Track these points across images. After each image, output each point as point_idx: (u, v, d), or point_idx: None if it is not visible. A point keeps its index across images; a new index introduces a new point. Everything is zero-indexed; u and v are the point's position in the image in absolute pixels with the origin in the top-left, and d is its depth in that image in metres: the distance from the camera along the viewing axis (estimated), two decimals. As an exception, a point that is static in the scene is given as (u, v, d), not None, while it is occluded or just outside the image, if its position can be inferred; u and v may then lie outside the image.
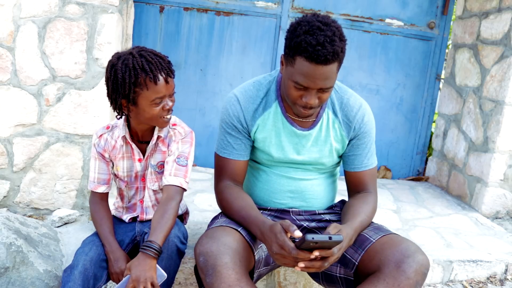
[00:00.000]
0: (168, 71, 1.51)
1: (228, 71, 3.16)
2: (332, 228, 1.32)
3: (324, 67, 1.34)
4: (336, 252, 1.29)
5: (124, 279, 1.41)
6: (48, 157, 2.28)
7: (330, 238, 1.21)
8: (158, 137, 1.63)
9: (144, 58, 1.47)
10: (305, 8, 3.13)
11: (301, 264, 1.26)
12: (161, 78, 1.47)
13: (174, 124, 1.65)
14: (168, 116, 1.55)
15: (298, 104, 1.43)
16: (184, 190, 1.59)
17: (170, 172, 1.58)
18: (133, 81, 1.45)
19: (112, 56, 1.52)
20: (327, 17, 1.38)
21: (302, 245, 1.23)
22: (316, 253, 1.24)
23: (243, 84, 1.64)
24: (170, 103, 1.53)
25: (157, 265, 1.42)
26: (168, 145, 1.63)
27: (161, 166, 1.65)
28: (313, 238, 1.19)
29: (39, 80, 2.22)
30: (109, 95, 1.53)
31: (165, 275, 1.42)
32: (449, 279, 2.17)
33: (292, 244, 1.26)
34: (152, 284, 1.37)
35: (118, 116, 1.59)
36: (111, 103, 1.54)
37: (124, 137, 1.63)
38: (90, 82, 2.24)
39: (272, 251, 1.30)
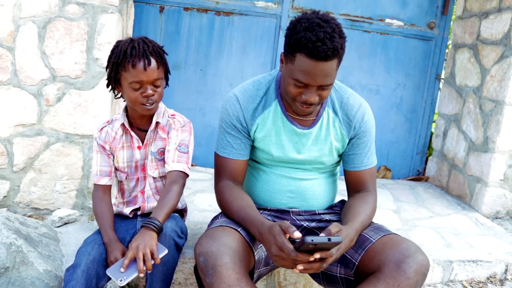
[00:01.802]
0: (151, 59, 1.55)
1: (228, 71, 3.16)
2: (333, 227, 1.31)
3: (324, 64, 1.34)
4: (335, 253, 1.29)
5: (117, 261, 1.43)
6: (48, 157, 2.28)
7: (329, 239, 1.21)
8: (157, 123, 1.68)
9: (132, 43, 1.57)
10: (305, 8, 3.13)
11: (300, 267, 1.26)
12: (140, 63, 1.54)
13: (173, 115, 1.73)
14: (148, 105, 1.59)
15: (298, 101, 1.44)
16: (187, 175, 1.65)
17: (173, 159, 1.64)
18: (115, 61, 1.57)
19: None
20: (327, 15, 1.39)
21: (301, 247, 1.22)
22: (317, 256, 1.24)
23: (242, 84, 1.64)
24: (150, 91, 1.56)
25: (158, 242, 1.45)
26: (168, 133, 1.69)
27: (161, 153, 1.70)
28: (312, 240, 1.19)
29: (39, 80, 2.22)
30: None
31: (166, 250, 1.44)
32: (449, 279, 2.17)
33: (291, 246, 1.25)
34: (152, 253, 1.39)
35: (117, 96, 1.67)
36: (106, 82, 1.66)
37: (123, 125, 1.68)
38: (90, 82, 2.24)
39: (271, 253, 1.30)
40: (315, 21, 1.35)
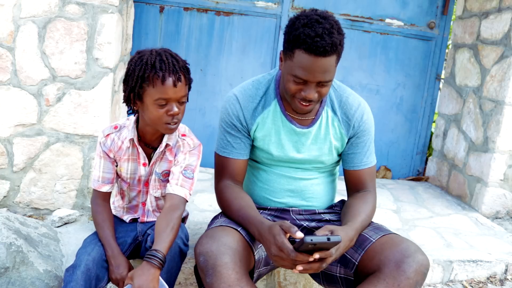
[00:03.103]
0: (180, 75, 1.46)
1: (228, 71, 3.16)
2: (322, 230, 1.32)
3: (323, 59, 1.34)
4: (334, 253, 1.29)
5: None
6: (48, 157, 2.28)
7: (328, 239, 1.21)
8: (167, 145, 1.60)
9: (159, 56, 1.45)
10: (305, 8, 3.12)
11: (300, 267, 1.26)
12: (169, 79, 1.43)
13: (184, 135, 1.62)
14: (173, 124, 1.49)
15: (297, 98, 1.44)
16: (187, 201, 1.58)
17: (177, 182, 1.55)
18: (141, 75, 1.44)
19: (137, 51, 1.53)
20: (325, 12, 1.40)
21: (301, 247, 1.22)
22: (316, 256, 1.24)
23: (242, 84, 1.64)
24: (176, 109, 1.46)
25: (160, 277, 1.39)
26: (175, 155, 1.60)
27: (165, 174, 1.63)
28: (311, 240, 1.19)
29: (39, 80, 2.22)
30: (123, 87, 1.53)
31: (167, 287, 1.40)
32: (449, 279, 2.17)
33: (290, 246, 1.25)
34: None
35: (129, 112, 1.56)
36: (124, 96, 1.54)
37: (131, 140, 1.59)
38: (90, 82, 2.24)
39: (270, 253, 1.30)
40: (314, 18, 1.36)
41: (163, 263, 1.38)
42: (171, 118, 1.47)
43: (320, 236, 1.22)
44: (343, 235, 1.34)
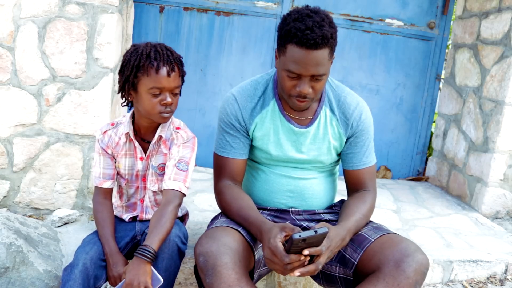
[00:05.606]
0: (174, 66, 1.50)
1: (228, 71, 3.16)
2: (318, 226, 1.33)
3: (315, 52, 1.35)
4: (325, 250, 1.29)
5: (120, 283, 1.41)
6: (48, 157, 2.28)
7: (315, 231, 1.23)
8: (160, 137, 1.62)
9: (154, 48, 1.50)
10: (305, 8, 3.13)
11: (297, 273, 1.27)
12: (163, 68, 1.48)
13: (178, 128, 1.64)
14: (166, 113, 1.53)
15: (293, 94, 1.44)
16: (184, 195, 1.58)
17: (170, 176, 1.57)
18: (136, 64, 1.48)
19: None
20: (317, 7, 1.43)
21: (292, 248, 1.23)
22: (305, 252, 1.25)
23: (240, 84, 1.65)
24: (169, 99, 1.50)
25: (153, 269, 1.41)
26: (170, 148, 1.63)
27: (161, 168, 1.65)
28: (300, 236, 1.21)
29: (39, 80, 2.22)
30: (118, 77, 1.57)
31: (161, 280, 1.40)
32: (449, 279, 2.17)
33: (284, 251, 1.26)
34: None
35: (123, 104, 1.60)
36: (119, 86, 1.58)
37: (127, 134, 1.63)
38: (90, 82, 2.24)
39: (264, 255, 1.31)
40: (304, 12, 1.38)
41: (154, 257, 1.40)
42: (164, 108, 1.51)
43: (307, 231, 1.23)
44: (334, 234, 1.34)
